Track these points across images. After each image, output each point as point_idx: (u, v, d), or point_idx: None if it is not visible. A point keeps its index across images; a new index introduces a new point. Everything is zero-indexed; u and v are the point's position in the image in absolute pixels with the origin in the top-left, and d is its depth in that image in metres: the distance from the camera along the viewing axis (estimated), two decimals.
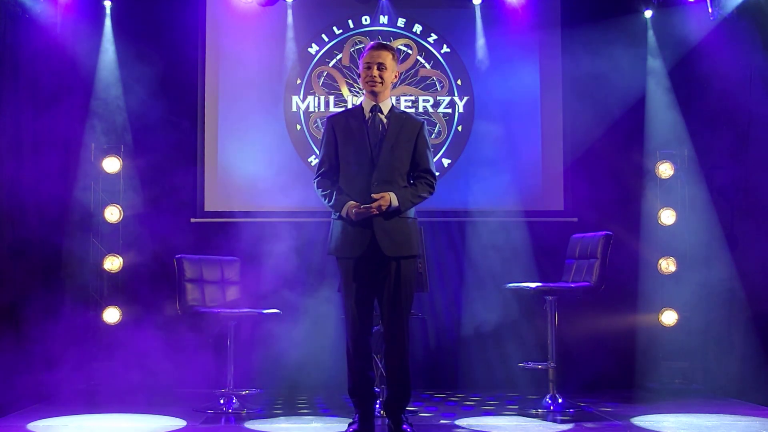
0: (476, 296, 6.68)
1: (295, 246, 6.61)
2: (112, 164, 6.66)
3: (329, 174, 4.64)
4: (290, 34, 6.91)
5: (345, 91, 6.95)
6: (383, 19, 7.00)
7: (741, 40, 6.59)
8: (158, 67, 6.66)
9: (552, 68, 6.97)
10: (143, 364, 6.29)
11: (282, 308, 5.82)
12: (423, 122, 4.69)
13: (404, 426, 4.57)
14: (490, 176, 6.81)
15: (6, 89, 6.43)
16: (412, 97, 6.95)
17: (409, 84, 6.96)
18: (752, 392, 6.04)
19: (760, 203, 6.51)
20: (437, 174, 4.76)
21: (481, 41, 6.94)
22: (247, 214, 6.76)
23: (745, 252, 6.60)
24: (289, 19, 6.90)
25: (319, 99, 6.95)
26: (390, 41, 6.81)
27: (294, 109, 6.94)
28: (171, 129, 6.68)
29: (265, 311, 5.63)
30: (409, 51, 6.98)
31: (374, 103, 4.62)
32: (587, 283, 5.56)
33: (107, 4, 6.76)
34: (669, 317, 6.72)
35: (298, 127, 6.92)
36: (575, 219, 6.81)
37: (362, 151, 4.54)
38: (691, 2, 6.72)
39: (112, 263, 6.60)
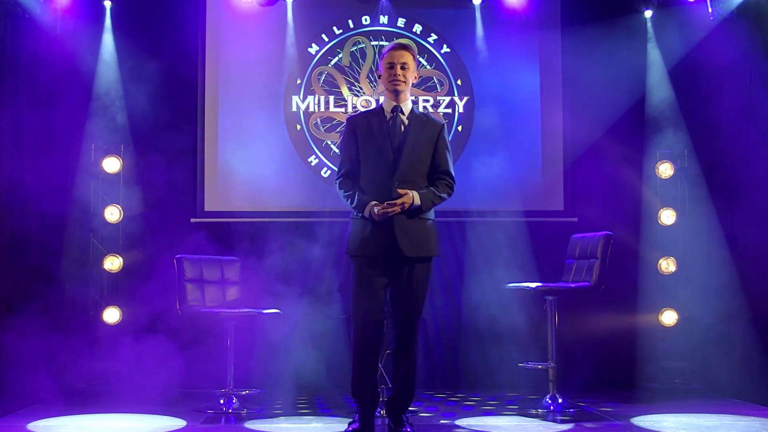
0: (476, 296, 6.68)
1: (295, 246, 6.61)
2: (112, 164, 6.66)
3: (351, 175, 4.62)
4: (290, 34, 6.91)
5: (345, 91, 6.95)
6: (383, 19, 7.01)
7: (741, 40, 6.59)
8: (158, 67, 6.66)
9: (552, 68, 6.97)
10: (143, 364, 6.29)
11: (282, 308, 5.82)
12: (443, 124, 4.69)
13: (405, 426, 4.56)
14: (490, 176, 6.81)
15: (6, 89, 6.44)
16: (413, 97, 6.88)
17: None
18: (752, 392, 6.05)
19: (760, 203, 6.51)
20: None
21: (480, 41, 6.94)
22: (247, 214, 6.76)
23: (745, 252, 6.60)
24: (289, 19, 6.90)
25: (319, 99, 6.95)
26: (385, 41, 6.81)
27: (294, 109, 6.94)
28: (171, 129, 6.68)
29: (265, 311, 5.63)
30: None
31: (395, 103, 4.61)
32: (587, 283, 5.56)
33: (107, 4, 6.75)
34: (669, 317, 6.72)
35: (298, 127, 6.92)
36: (575, 219, 6.81)
37: (383, 152, 4.54)
38: (691, 2, 6.72)
39: (112, 263, 6.60)
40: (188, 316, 5.72)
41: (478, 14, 6.95)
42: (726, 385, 6.41)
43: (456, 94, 6.99)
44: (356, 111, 6.67)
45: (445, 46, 7.02)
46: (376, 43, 6.99)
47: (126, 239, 6.67)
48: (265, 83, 6.91)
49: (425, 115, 4.70)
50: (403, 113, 4.61)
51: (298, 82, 6.95)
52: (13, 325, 6.20)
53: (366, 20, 7.03)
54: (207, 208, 6.82)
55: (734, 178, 6.78)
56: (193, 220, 6.78)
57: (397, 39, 6.90)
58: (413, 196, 4.47)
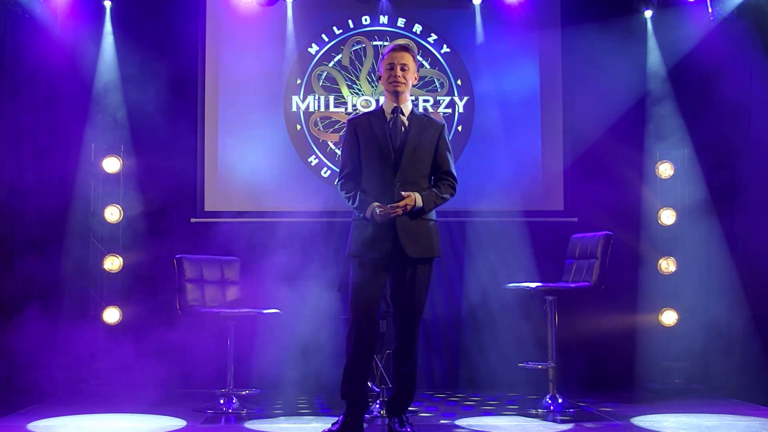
0: (476, 296, 6.68)
1: (295, 246, 6.60)
2: (112, 164, 6.66)
3: (352, 176, 4.62)
4: (290, 34, 6.91)
5: (345, 91, 6.96)
6: (383, 19, 7.01)
7: (741, 40, 6.59)
8: (158, 67, 6.66)
9: (552, 68, 6.97)
10: (143, 364, 6.29)
11: (282, 308, 5.82)
12: (444, 124, 4.68)
13: (405, 426, 4.56)
14: (490, 176, 6.81)
15: (6, 89, 6.44)
16: (413, 97, 6.93)
17: None
18: (752, 392, 6.05)
19: (760, 203, 6.51)
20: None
21: (480, 41, 6.94)
22: (247, 214, 6.76)
23: (745, 252, 6.60)
24: (289, 19, 6.90)
25: (319, 99, 6.95)
26: (389, 41, 6.81)
27: (294, 109, 6.94)
28: (171, 129, 6.68)
29: (265, 311, 5.63)
30: None
31: (395, 104, 4.61)
32: (587, 283, 5.56)
33: (107, 4, 6.75)
34: (669, 317, 6.72)
35: (298, 127, 6.92)
36: (575, 219, 6.81)
37: (385, 153, 4.53)
38: (691, 2, 6.72)
39: (112, 263, 6.60)
40: (188, 316, 5.72)
41: (478, 14, 6.95)
42: (726, 385, 6.41)
43: (456, 94, 6.99)
44: (356, 112, 6.68)
45: (445, 46, 7.02)
46: (376, 43, 6.99)
47: (126, 239, 6.67)
48: (265, 83, 6.91)
49: (425, 116, 4.69)
50: (403, 114, 4.61)
51: (298, 82, 6.95)
52: (13, 325, 6.20)
53: (366, 20, 7.03)
54: (207, 208, 6.82)
55: (734, 178, 6.78)
56: (193, 220, 6.78)
57: (397, 39, 6.90)
58: (416, 198, 4.47)
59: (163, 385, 6.20)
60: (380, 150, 4.54)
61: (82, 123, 6.65)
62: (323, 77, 6.97)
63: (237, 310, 5.63)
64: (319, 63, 6.98)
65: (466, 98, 6.99)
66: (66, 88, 6.64)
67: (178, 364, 6.23)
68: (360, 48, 6.99)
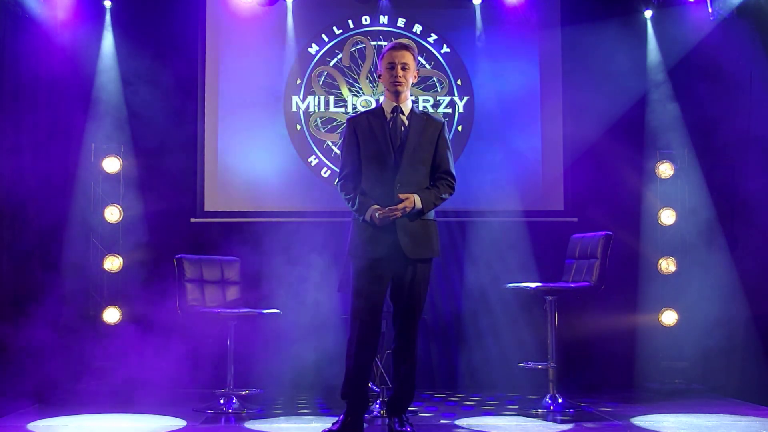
0: (476, 296, 6.68)
1: (294, 246, 6.61)
2: (112, 164, 6.66)
3: (352, 176, 4.60)
4: (290, 34, 6.91)
5: (345, 91, 6.96)
6: (383, 19, 7.01)
7: (741, 40, 6.59)
8: (158, 67, 6.67)
9: (552, 68, 6.97)
10: (143, 364, 6.29)
11: (282, 308, 5.82)
12: (444, 122, 4.67)
13: (405, 426, 4.56)
14: (490, 176, 6.82)
15: (6, 89, 6.44)
16: (413, 97, 6.90)
17: None
18: (752, 392, 6.04)
19: (759, 203, 6.51)
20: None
21: (480, 41, 6.94)
22: (247, 214, 6.76)
23: (745, 252, 6.60)
24: (289, 19, 6.90)
25: (319, 99, 6.95)
26: (389, 41, 6.81)
27: (294, 109, 6.94)
28: (171, 129, 6.68)
29: (265, 311, 5.63)
30: None
31: (395, 103, 4.60)
32: (587, 283, 5.56)
33: (107, 4, 6.75)
34: (669, 317, 6.72)
35: (298, 127, 6.93)
36: (575, 219, 6.81)
37: (384, 153, 4.52)
38: (691, 2, 6.72)
39: (112, 263, 6.59)
40: (188, 316, 5.72)
41: (478, 14, 6.95)
42: (726, 385, 6.41)
43: (456, 94, 6.99)
44: (356, 111, 6.67)
45: (445, 46, 7.02)
46: (376, 43, 6.99)
47: (126, 239, 6.67)
48: (265, 83, 6.91)
49: (425, 115, 4.69)
50: (403, 113, 4.61)
51: (298, 82, 6.95)
52: (13, 325, 6.20)
53: (366, 20, 7.03)
54: (207, 208, 6.82)
55: (734, 178, 6.78)
56: (193, 220, 6.78)
57: (397, 39, 6.90)
58: (414, 200, 4.46)
59: (163, 385, 6.19)
60: (380, 150, 4.54)
61: (82, 123, 6.65)
62: (323, 77, 6.98)
63: (237, 310, 5.63)
64: (319, 63, 6.98)
65: (466, 98, 6.99)
66: (66, 88, 6.64)
67: (177, 364, 6.22)
68: (360, 48, 6.99)
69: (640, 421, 5.21)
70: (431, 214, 4.60)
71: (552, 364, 5.59)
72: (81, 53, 6.65)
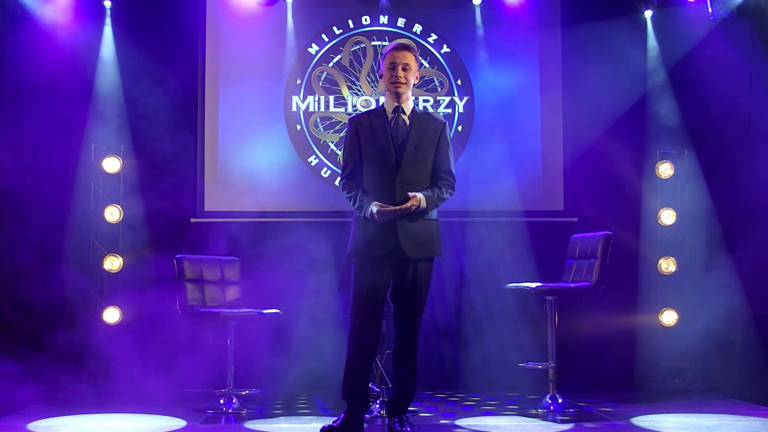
0: (476, 296, 6.68)
1: (294, 246, 6.61)
2: (112, 164, 6.66)
3: (353, 175, 4.60)
4: (290, 34, 6.91)
5: (345, 91, 6.96)
6: (383, 19, 7.01)
7: (741, 40, 6.59)
8: (158, 67, 6.66)
9: (552, 68, 6.97)
10: (143, 364, 6.29)
11: (282, 308, 5.82)
12: (445, 122, 4.67)
13: (405, 426, 4.56)
14: (490, 176, 6.81)
15: (6, 89, 6.44)
16: (413, 97, 6.93)
17: None
18: (752, 392, 6.04)
19: (759, 203, 6.51)
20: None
21: (480, 41, 6.94)
22: (247, 214, 6.76)
23: (745, 252, 6.60)
24: (289, 19, 6.90)
25: (319, 99, 6.95)
26: (389, 41, 6.81)
27: (294, 109, 6.94)
28: (171, 129, 6.68)
29: (265, 311, 5.63)
30: None
31: (396, 104, 4.60)
32: (587, 283, 5.56)
33: (107, 4, 6.76)
34: (669, 317, 6.72)
35: (298, 127, 6.93)
36: (575, 219, 6.82)
37: (386, 153, 4.52)
38: (691, 2, 6.72)
39: (112, 263, 6.59)
40: (188, 316, 5.72)
41: (478, 14, 6.95)
42: (726, 385, 6.41)
43: (456, 94, 6.99)
44: (357, 111, 6.68)
45: (445, 46, 7.02)
46: (376, 43, 6.99)
47: (126, 239, 6.66)
48: (265, 83, 6.91)
49: (426, 114, 4.69)
50: (404, 113, 4.61)
51: (298, 82, 6.95)
52: (13, 324, 6.20)
53: (366, 20, 7.03)
54: (207, 208, 6.82)
55: (734, 178, 6.78)
56: (193, 220, 6.78)
57: (397, 39, 6.90)
58: (420, 199, 4.46)
59: (163, 385, 6.19)
60: (381, 149, 4.53)
61: (82, 123, 6.65)
62: (323, 77, 6.97)
63: (237, 310, 5.63)
64: (319, 63, 6.98)
65: (466, 98, 6.99)
66: (66, 89, 6.64)
67: (178, 364, 6.23)
68: (360, 48, 6.99)
69: (640, 421, 5.20)
70: (433, 214, 4.60)
71: (552, 364, 5.59)
72: (81, 53, 6.65)
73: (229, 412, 5.47)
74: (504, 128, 6.90)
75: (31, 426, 4.98)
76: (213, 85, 6.89)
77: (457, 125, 6.97)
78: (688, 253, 6.80)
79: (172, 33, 6.83)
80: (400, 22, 7.03)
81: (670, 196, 6.86)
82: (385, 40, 6.91)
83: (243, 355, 6.00)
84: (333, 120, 6.94)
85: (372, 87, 6.95)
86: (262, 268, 6.52)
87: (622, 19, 6.87)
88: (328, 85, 6.97)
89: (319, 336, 6.31)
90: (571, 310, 6.32)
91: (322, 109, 6.95)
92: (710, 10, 6.60)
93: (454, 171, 4.65)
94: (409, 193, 4.45)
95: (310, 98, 6.95)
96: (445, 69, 7.00)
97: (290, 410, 5.61)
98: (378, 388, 5.30)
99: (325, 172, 6.89)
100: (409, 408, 4.71)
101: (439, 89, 6.99)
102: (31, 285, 6.46)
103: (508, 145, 6.89)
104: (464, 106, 6.99)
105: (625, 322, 6.71)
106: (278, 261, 6.58)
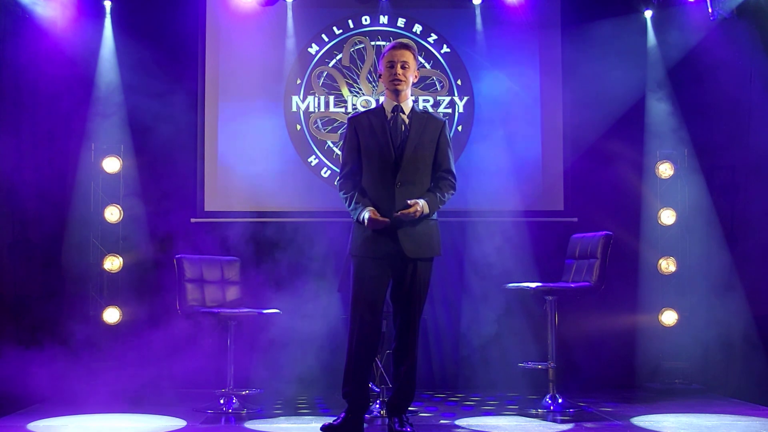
0: (476, 296, 6.68)
1: (295, 246, 6.61)
2: (112, 164, 6.66)
3: (352, 175, 4.59)
4: (290, 34, 6.91)
5: (345, 91, 6.96)
6: (383, 19, 7.01)
7: (741, 40, 6.59)
8: (158, 67, 6.66)
9: (552, 68, 6.97)
10: (143, 364, 6.29)
11: (282, 308, 5.82)
12: (444, 121, 4.67)
13: (405, 426, 4.56)
14: (491, 176, 6.81)
15: (6, 89, 6.44)
16: (413, 97, 6.91)
17: None
18: (752, 392, 6.04)
19: (759, 203, 6.51)
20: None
21: (480, 41, 6.94)
22: (247, 214, 6.76)
23: (745, 252, 6.60)
24: (289, 19, 6.90)
25: (319, 99, 6.95)
26: (389, 41, 6.80)
27: (294, 109, 6.94)
28: (171, 129, 6.67)
29: (265, 311, 5.63)
30: None
31: (396, 102, 4.60)
32: (587, 283, 5.56)
33: (107, 4, 6.76)
34: (669, 317, 6.72)
35: (298, 127, 6.93)
36: (575, 219, 6.82)
37: (385, 152, 4.52)
38: (691, 2, 6.72)
39: (112, 263, 6.59)
40: (188, 316, 5.72)
41: (478, 14, 6.95)
42: (726, 385, 6.41)
43: (456, 94, 6.99)
44: (356, 111, 6.67)
45: (445, 46, 7.02)
46: (376, 43, 6.99)
47: (126, 239, 6.66)
48: (265, 83, 6.91)
49: (426, 113, 4.68)
50: (403, 112, 4.61)
51: (298, 82, 6.95)
52: (13, 324, 6.20)
53: (366, 20, 7.03)
54: (207, 208, 6.82)
55: (734, 178, 6.78)
56: (193, 220, 6.78)
57: (397, 39, 6.89)
58: (423, 206, 4.46)
59: (163, 384, 6.19)
60: (381, 149, 4.53)
61: (82, 123, 6.65)
62: (323, 77, 6.97)
63: (237, 310, 5.63)
64: (319, 63, 6.98)
65: (466, 98, 6.99)
66: (66, 88, 6.64)
67: (178, 364, 6.23)
68: (360, 48, 6.99)
69: (640, 421, 5.20)
70: (433, 214, 4.60)
71: (552, 364, 5.59)
72: (81, 53, 6.65)
73: (229, 412, 5.47)
74: (504, 128, 6.91)
75: (31, 426, 4.98)
76: (213, 85, 6.88)
77: (457, 125, 6.97)
78: (688, 253, 6.80)
79: (172, 33, 6.82)
80: (400, 22, 7.03)
81: (670, 196, 6.86)
82: (386, 40, 6.91)
83: (243, 355, 6.00)
84: (333, 120, 6.94)
85: (372, 87, 6.95)
86: (262, 268, 6.52)
87: (622, 19, 6.87)
88: (328, 85, 6.97)
89: (319, 336, 6.31)
90: (571, 310, 6.32)
91: (322, 109, 6.95)
92: (710, 10, 6.60)
93: (454, 169, 4.65)
94: (409, 201, 4.44)
95: (310, 98, 6.95)
96: (445, 69, 7.00)
97: (290, 410, 5.61)
98: (378, 388, 5.30)
99: (325, 172, 6.89)
100: (409, 408, 4.71)
101: (438, 89, 6.99)
102: (31, 285, 6.46)
103: (508, 145, 6.89)
104: (464, 106, 6.99)
105: (625, 322, 6.71)
106: (278, 261, 6.58)
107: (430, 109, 6.85)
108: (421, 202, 4.46)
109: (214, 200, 6.83)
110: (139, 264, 6.63)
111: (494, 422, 5.23)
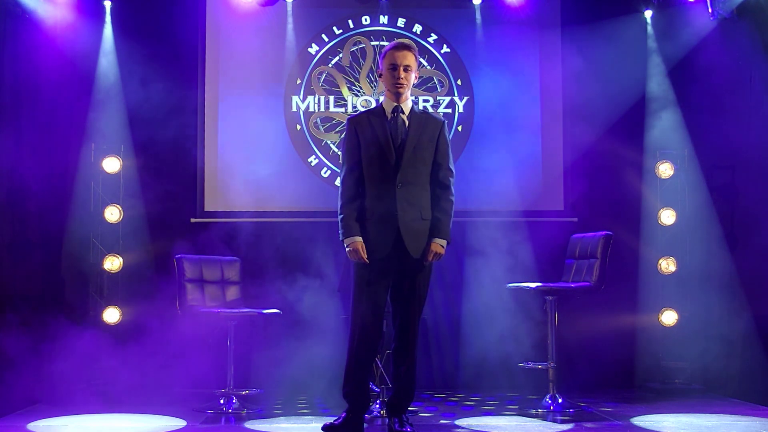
0: (476, 296, 6.68)
1: (295, 246, 6.61)
2: (112, 164, 6.65)
3: (352, 175, 4.57)
4: (290, 34, 6.91)
5: (345, 91, 6.96)
6: (383, 19, 7.01)
7: (741, 40, 6.59)
8: (158, 67, 6.66)
9: (552, 68, 6.97)
10: (143, 364, 6.29)
11: (282, 308, 5.82)
12: (444, 121, 4.67)
13: (405, 426, 4.56)
14: (490, 176, 6.81)
15: (6, 89, 6.43)
16: (413, 97, 6.89)
17: None
18: (752, 392, 6.04)
19: (759, 203, 6.51)
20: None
21: (480, 41, 6.94)
22: (247, 214, 6.76)
23: (745, 252, 6.60)
24: (289, 19, 6.90)
25: (319, 99, 6.95)
26: (389, 41, 6.80)
27: (294, 109, 6.94)
28: (171, 129, 6.67)
29: (265, 311, 5.63)
30: None
31: (396, 103, 4.59)
32: (587, 283, 5.56)
33: (107, 4, 6.75)
34: (669, 317, 6.72)
35: (298, 127, 6.92)
36: (575, 219, 6.82)
37: (385, 153, 4.51)
38: (691, 2, 6.73)
39: (112, 263, 6.59)
40: (188, 316, 5.72)
41: (478, 14, 6.95)
42: (726, 385, 6.41)
43: (456, 94, 6.99)
44: (356, 111, 6.67)
45: (445, 46, 7.02)
46: (376, 43, 6.99)
47: (126, 239, 6.66)
48: (265, 83, 6.91)
49: (425, 113, 4.68)
50: (403, 113, 4.60)
51: (298, 82, 6.95)
52: (14, 324, 6.20)
53: (366, 20, 7.03)
54: (207, 208, 6.82)
55: (734, 178, 6.78)
56: (193, 220, 6.78)
57: (397, 39, 6.89)
58: (440, 245, 4.51)
59: (163, 385, 6.19)
60: (381, 149, 4.53)
61: (83, 123, 6.65)
62: (323, 77, 6.97)
63: (237, 310, 5.63)
64: (319, 63, 6.98)
65: (466, 98, 6.99)
66: (66, 88, 6.64)
67: (178, 364, 6.23)
68: (360, 48, 6.99)
69: (640, 421, 5.21)
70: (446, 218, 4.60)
71: (552, 364, 5.59)
72: (81, 53, 6.65)
73: (229, 412, 5.47)
74: (504, 128, 6.91)
75: (31, 426, 4.99)
76: (213, 85, 6.88)
77: (457, 125, 6.97)
78: (688, 253, 6.80)
79: (172, 33, 6.82)
80: (400, 22, 7.03)
81: (670, 196, 6.86)
82: (385, 40, 6.91)
83: (243, 355, 6.00)
84: (333, 120, 6.94)
85: (372, 87, 6.94)
86: (262, 268, 6.52)
87: (622, 19, 6.88)
88: (328, 85, 6.97)
89: (319, 336, 6.31)
90: (571, 310, 6.32)
91: (322, 109, 6.95)
92: (710, 10, 6.60)
93: (453, 168, 4.65)
94: (432, 245, 4.48)
95: (310, 98, 6.95)
96: (445, 69, 7.00)
97: (290, 410, 5.62)
98: (378, 388, 5.30)
99: (325, 172, 6.89)
100: (409, 408, 4.72)
101: (439, 89, 6.99)
102: (31, 285, 6.46)
103: (508, 145, 6.89)
104: (464, 106, 6.99)
105: (625, 322, 6.71)
106: (278, 261, 6.58)
107: (430, 109, 6.86)
108: (438, 242, 4.51)
109: (214, 200, 6.83)
110: (139, 264, 6.63)
111: (494, 422, 5.24)
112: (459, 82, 6.99)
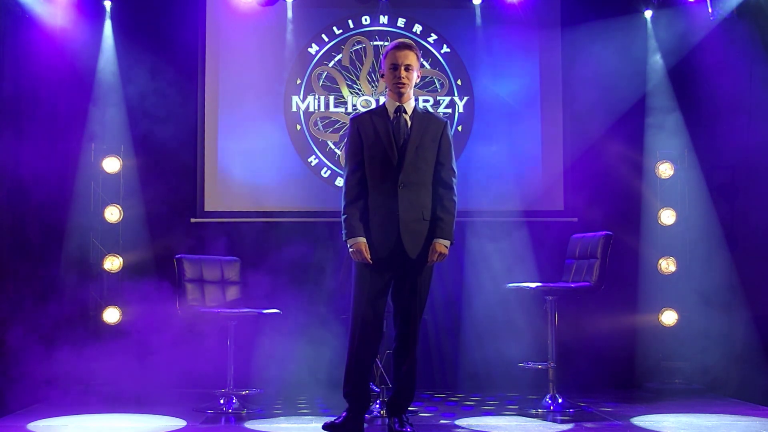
0: (476, 296, 6.68)
1: (294, 246, 6.61)
2: (112, 164, 6.66)
3: (354, 175, 4.56)
4: (290, 34, 6.91)
5: (345, 91, 6.96)
6: (383, 19, 7.01)
7: (741, 40, 6.59)
8: (158, 67, 6.67)
9: (552, 68, 6.97)
10: (143, 364, 6.29)
11: (282, 308, 5.82)
12: (446, 121, 4.67)
13: (405, 426, 4.56)
14: (490, 176, 6.82)
15: (6, 89, 6.43)
16: (414, 97, 6.92)
17: None
18: (752, 392, 6.04)
19: (760, 203, 6.51)
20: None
21: (480, 41, 6.94)
22: (247, 214, 6.76)
23: (745, 252, 6.60)
24: (289, 19, 6.90)
25: (319, 99, 6.95)
26: (389, 41, 6.80)
27: (294, 109, 6.94)
28: (171, 129, 6.68)
29: (265, 311, 5.63)
30: None
31: (398, 103, 4.58)
32: (587, 283, 5.56)
33: (107, 4, 6.76)
34: (669, 317, 6.72)
35: (298, 127, 6.93)
36: (575, 219, 6.82)
37: (388, 153, 4.51)
38: (691, 2, 6.72)
39: (112, 263, 6.59)
40: (188, 316, 5.72)
41: (478, 14, 6.95)
42: (726, 385, 6.41)
43: (456, 94, 6.99)
44: (357, 111, 6.67)
45: (445, 46, 7.02)
46: (376, 43, 6.99)
47: (126, 239, 6.66)
48: (265, 83, 6.91)
49: (428, 113, 4.68)
50: (406, 113, 4.60)
51: (298, 82, 6.95)
52: (14, 324, 6.20)
53: (366, 20, 7.03)
54: (207, 208, 6.82)
55: (734, 178, 6.78)
56: (193, 220, 6.78)
57: (397, 39, 6.89)
58: (444, 245, 4.53)
59: (163, 385, 6.19)
60: (383, 149, 4.52)
61: (82, 123, 6.65)
62: (323, 77, 6.97)
63: (237, 310, 5.63)
64: (319, 63, 6.98)
65: (466, 98, 6.99)
66: (66, 88, 6.64)
67: (178, 364, 6.23)
68: (360, 48, 6.99)
69: (640, 421, 5.21)
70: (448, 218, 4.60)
71: (552, 364, 5.59)
72: (81, 53, 6.65)
73: (229, 412, 5.47)
74: (504, 128, 6.91)
75: (31, 426, 4.98)
76: (213, 85, 6.89)
77: (457, 125, 6.97)
78: (688, 253, 6.80)
79: (172, 33, 6.82)
80: (400, 22, 7.03)
81: (670, 196, 6.86)
82: (385, 40, 6.91)
83: (243, 355, 6.00)
84: (333, 120, 6.94)
85: (372, 87, 6.95)
86: (262, 268, 6.52)
87: (622, 19, 6.88)
88: (328, 85, 6.97)
89: (319, 336, 6.31)
90: (571, 310, 6.32)
91: (322, 109, 6.95)
92: (710, 10, 6.60)
93: (455, 168, 4.66)
94: (436, 245, 4.50)
95: (310, 98, 6.95)
96: (445, 69, 7.00)
97: (290, 410, 5.61)
98: (378, 388, 5.30)
99: (325, 172, 6.89)
100: (409, 408, 4.72)
101: (439, 89, 6.99)
102: (31, 285, 6.45)
103: (508, 145, 6.89)
104: (464, 106, 6.99)
105: (625, 322, 6.71)
106: (278, 261, 6.58)
107: (431, 109, 6.85)
108: (440, 242, 4.53)
109: (214, 200, 6.83)
110: (139, 264, 6.63)
111: (494, 422, 5.24)
112: (459, 82, 6.99)
